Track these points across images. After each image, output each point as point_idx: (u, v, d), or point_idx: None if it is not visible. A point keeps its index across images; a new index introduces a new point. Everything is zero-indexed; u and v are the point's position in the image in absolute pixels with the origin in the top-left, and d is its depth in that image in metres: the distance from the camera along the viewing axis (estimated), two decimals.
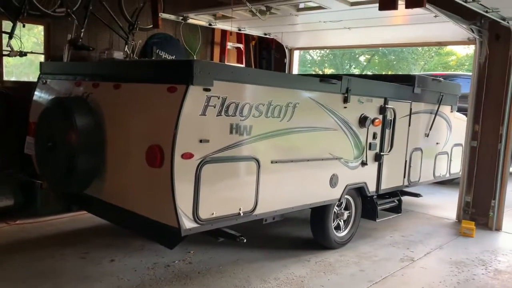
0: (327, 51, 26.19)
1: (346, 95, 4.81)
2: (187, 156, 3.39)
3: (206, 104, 3.47)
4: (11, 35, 5.70)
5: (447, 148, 7.07)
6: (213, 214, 3.66)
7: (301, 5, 6.20)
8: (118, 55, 6.28)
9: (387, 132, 5.55)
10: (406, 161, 6.06)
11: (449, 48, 24.00)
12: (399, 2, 4.37)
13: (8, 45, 5.70)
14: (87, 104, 4.11)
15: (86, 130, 3.94)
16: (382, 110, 5.40)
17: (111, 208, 4.04)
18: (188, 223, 3.48)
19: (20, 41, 5.88)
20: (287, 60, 9.34)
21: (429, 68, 24.78)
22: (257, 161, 3.97)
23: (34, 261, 4.40)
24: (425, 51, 25.63)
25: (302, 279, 4.41)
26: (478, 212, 6.62)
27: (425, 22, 6.04)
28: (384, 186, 5.67)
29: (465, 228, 6.16)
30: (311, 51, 25.76)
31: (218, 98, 3.55)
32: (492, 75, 6.45)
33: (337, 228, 5.28)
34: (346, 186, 5.05)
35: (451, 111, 7.06)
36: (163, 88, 3.45)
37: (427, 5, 4.60)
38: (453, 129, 7.11)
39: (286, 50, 9.32)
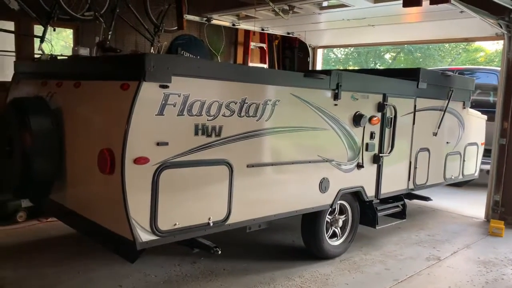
0: (352, 49, 25.93)
1: (337, 91, 4.40)
2: (140, 161, 3.04)
3: (163, 102, 3.13)
4: (42, 39, 5.86)
5: (459, 148, 6.52)
6: (175, 225, 3.31)
7: (324, 3, 6.19)
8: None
9: (387, 131, 5.08)
10: (410, 162, 5.58)
11: (477, 44, 23.41)
12: None
13: (40, 48, 5.88)
14: (45, 104, 3.86)
15: (42, 132, 3.67)
16: (381, 107, 4.94)
17: (75, 216, 3.73)
18: (144, 236, 3.13)
19: (51, 44, 6.07)
20: (310, 59, 9.34)
21: (456, 65, 24.25)
22: (229, 165, 3.60)
23: (65, 258, 4.54)
24: (452, 48, 25.09)
25: (327, 277, 4.42)
26: (507, 211, 6.47)
27: (450, 18, 5.94)
28: (385, 190, 5.21)
29: (494, 227, 6.04)
30: (335, 49, 25.56)
31: (179, 96, 3.20)
32: None
33: (332, 236, 4.87)
34: (339, 190, 4.61)
35: (464, 108, 6.52)
36: (117, 85, 3.14)
37: (452, 1, 4.53)
38: (466, 127, 6.59)
39: (310, 49, 9.32)
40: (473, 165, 6.97)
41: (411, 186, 5.64)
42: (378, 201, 5.26)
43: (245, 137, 3.68)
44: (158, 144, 3.12)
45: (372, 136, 4.89)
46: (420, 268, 4.76)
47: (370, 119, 4.82)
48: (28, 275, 4.13)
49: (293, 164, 4.15)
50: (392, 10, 5.81)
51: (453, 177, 6.50)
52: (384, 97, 4.97)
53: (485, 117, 7.06)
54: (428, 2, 4.37)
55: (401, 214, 5.54)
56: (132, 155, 3.00)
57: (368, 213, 5.11)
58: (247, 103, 3.66)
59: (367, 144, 4.84)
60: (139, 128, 3.02)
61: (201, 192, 3.47)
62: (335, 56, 27.79)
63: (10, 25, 6.10)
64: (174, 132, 3.22)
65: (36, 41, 6.03)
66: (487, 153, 7.54)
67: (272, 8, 5.94)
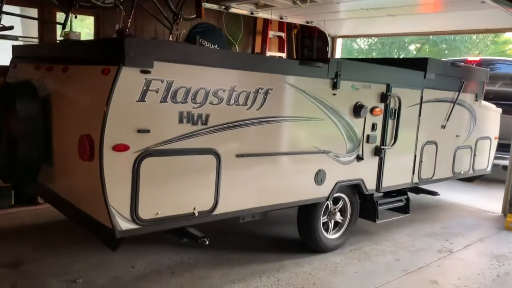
0: (375, 39, 25.58)
1: (335, 81, 4.24)
2: (120, 148, 2.97)
3: (145, 88, 3.03)
4: (64, 25, 6.02)
5: (470, 142, 6.28)
6: (158, 214, 3.25)
7: None
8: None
9: (390, 123, 4.91)
10: (415, 155, 5.39)
11: (506, 35, 22.78)
12: None
13: (62, 35, 6.04)
14: (32, 89, 3.80)
15: (28, 117, 3.63)
16: (384, 97, 4.75)
17: (62, 201, 3.72)
18: (124, 224, 3.09)
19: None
20: (329, 48, 9.29)
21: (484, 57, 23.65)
22: (217, 154, 3.50)
23: (80, 239, 4.66)
24: (480, 40, 24.46)
25: (336, 265, 4.47)
26: None
27: (471, 9, 5.84)
28: (387, 183, 5.05)
29: (510, 221, 5.96)
30: (358, 40, 25.26)
31: (162, 82, 3.11)
32: None
33: (328, 229, 4.77)
34: (337, 183, 4.49)
35: (476, 100, 6.25)
36: (98, 70, 3.07)
37: None
38: (479, 120, 6.33)
39: (329, 38, 9.26)
40: (485, 159, 6.75)
41: (415, 180, 5.47)
42: (382, 194, 5.17)
43: (235, 126, 3.58)
44: (139, 131, 3.05)
45: (373, 127, 4.74)
46: (431, 259, 4.76)
47: (372, 110, 4.67)
48: (45, 254, 4.29)
49: (286, 155, 4.06)
50: (410, 0, 5.73)
51: (462, 172, 6.30)
52: (388, 87, 4.79)
53: (500, 110, 6.86)
54: None
55: (404, 209, 5.41)
56: (111, 142, 2.94)
57: (368, 206, 5.00)
58: (236, 91, 3.55)
59: (368, 136, 4.70)
60: (119, 114, 2.95)
61: (186, 181, 3.39)
62: (358, 47, 27.47)
63: (33, 12, 6.26)
64: (156, 119, 3.14)
65: (59, 28, 6.19)
66: (504, 148, 7.39)
67: None
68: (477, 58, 9.43)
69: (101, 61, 3.10)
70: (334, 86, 4.26)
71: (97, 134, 2.92)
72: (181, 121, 3.26)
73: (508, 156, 6.57)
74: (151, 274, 4.04)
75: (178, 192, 3.36)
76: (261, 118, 3.75)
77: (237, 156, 3.66)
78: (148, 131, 3.09)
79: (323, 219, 4.66)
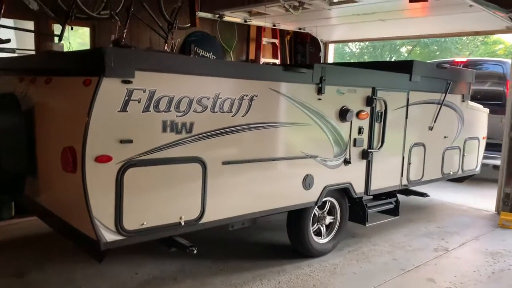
0: (367, 43, 25.82)
1: (320, 86, 4.24)
2: (102, 159, 2.95)
3: (127, 98, 3.01)
4: (60, 37, 6.12)
5: (458, 143, 6.30)
6: (143, 224, 3.22)
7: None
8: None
9: (377, 126, 4.92)
10: (403, 158, 5.40)
11: (496, 36, 23.08)
12: None
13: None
14: (15, 101, 3.76)
15: (10, 129, 3.58)
16: (370, 101, 4.77)
17: (48, 213, 3.68)
18: (109, 236, 3.06)
19: (69, 42, 6.30)
20: (322, 53, 9.42)
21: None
22: (203, 162, 3.47)
23: None
24: (470, 41, 24.77)
25: (335, 266, 4.55)
26: None
27: (460, 12, 5.97)
28: (376, 186, 5.06)
29: (503, 219, 6.08)
30: (350, 43, 25.49)
31: (144, 92, 3.09)
32: None
33: (319, 234, 4.76)
34: (325, 187, 4.49)
35: (463, 101, 6.27)
36: (80, 81, 3.06)
37: None
38: (466, 121, 6.36)
39: (321, 44, 9.39)
40: (474, 160, 6.80)
41: (404, 182, 5.48)
42: (371, 197, 5.19)
43: (220, 133, 3.57)
44: (121, 141, 3.03)
45: (360, 131, 4.76)
46: (428, 258, 4.85)
47: (357, 114, 4.69)
48: (47, 263, 4.34)
49: (274, 161, 4.04)
50: (400, 5, 5.87)
51: (452, 173, 6.32)
52: (374, 91, 4.81)
53: (487, 110, 6.95)
54: None
55: (394, 211, 5.40)
56: (93, 153, 2.92)
57: (358, 210, 5.00)
58: (220, 98, 3.53)
59: (355, 139, 4.71)
60: (101, 125, 2.93)
61: (171, 191, 3.36)
62: (350, 50, 27.71)
63: (29, 25, 6.33)
64: (139, 129, 3.11)
65: (55, 40, 6.27)
66: (493, 147, 7.50)
67: (282, 4, 6.06)
68: (464, 59, 9.59)
69: (82, 72, 3.10)
70: (319, 91, 4.27)
71: (79, 146, 2.91)
72: (164, 130, 3.24)
73: (498, 156, 6.68)
74: (154, 280, 4.10)
75: (164, 202, 3.33)
76: (246, 124, 3.74)
77: (223, 163, 3.64)
78: (130, 141, 3.07)
79: (313, 228, 4.67)
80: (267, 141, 3.97)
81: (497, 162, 7.59)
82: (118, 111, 3.00)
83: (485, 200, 7.26)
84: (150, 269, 4.29)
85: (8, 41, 5.65)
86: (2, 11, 5.49)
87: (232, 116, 3.64)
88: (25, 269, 4.19)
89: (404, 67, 5.29)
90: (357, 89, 4.67)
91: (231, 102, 3.61)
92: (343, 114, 4.50)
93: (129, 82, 3.02)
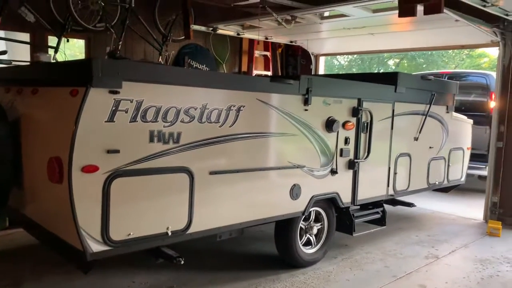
0: (355, 56, 26.21)
1: (307, 97, 4.30)
2: (89, 169, 2.95)
3: (114, 108, 3.03)
4: (56, 49, 6.19)
5: (443, 153, 6.38)
6: (130, 235, 3.20)
7: (325, 14, 6.47)
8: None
9: (363, 136, 4.98)
10: (389, 168, 5.45)
11: (481, 50, 23.60)
12: (418, 8, 4.56)
13: (54, 58, 6.19)
14: (1, 111, 3.74)
15: None
16: (355, 112, 4.84)
17: (34, 224, 3.67)
18: (95, 246, 3.05)
19: (64, 54, 6.37)
20: (313, 66, 9.60)
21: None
22: (190, 172, 3.49)
23: None
24: (456, 54, 25.30)
25: (329, 273, 4.63)
26: (505, 213, 6.66)
27: (447, 26, 6.19)
28: (362, 196, 5.10)
29: (491, 227, 6.23)
30: (338, 56, 25.85)
31: (131, 102, 3.11)
32: None
33: (306, 244, 4.79)
34: (312, 197, 4.52)
35: (447, 112, 6.37)
36: (67, 91, 3.07)
37: (446, 10, 4.77)
38: (451, 132, 6.44)
39: (312, 57, 9.59)
40: (459, 170, 6.86)
41: (391, 192, 5.52)
42: (358, 207, 5.25)
43: (207, 143, 3.58)
44: (108, 151, 3.03)
45: (346, 141, 4.81)
46: (419, 265, 4.97)
47: (344, 124, 4.74)
48: (43, 273, 4.35)
49: (261, 171, 4.05)
50: (390, 19, 6.05)
51: (437, 183, 6.37)
52: (359, 102, 4.89)
53: (471, 121, 7.08)
54: (423, 12, 4.61)
55: (381, 221, 5.45)
56: (79, 163, 2.91)
57: (345, 219, 5.03)
58: (208, 108, 3.56)
59: (341, 149, 4.76)
60: (87, 135, 2.94)
61: (158, 201, 3.35)
62: (338, 63, 28.09)
63: (25, 37, 6.39)
64: (126, 139, 3.12)
65: (50, 51, 6.34)
66: (478, 158, 7.66)
67: (275, 18, 6.21)
68: (450, 70, 9.80)
69: (70, 82, 3.11)
70: (306, 102, 4.32)
71: (65, 156, 2.90)
72: (151, 140, 3.25)
73: (483, 166, 6.85)
74: None
75: (150, 212, 3.32)
76: (234, 135, 3.77)
77: (211, 173, 3.65)
78: (117, 151, 3.07)
79: (301, 241, 4.69)
80: (254, 151, 4.00)
81: (482, 172, 7.80)
82: (105, 121, 3.02)
83: (472, 209, 7.44)
84: (146, 278, 4.34)
85: (4, 52, 5.71)
86: None
87: (220, 127, 3.67)
88: (21, 280, 4.21)
89: (390, 78, 5.39)
90: (343, 100, 4.74)
91: (219, 113, 3.65)
92: (329, 124, 4.56)
93: (117, 92, 3.04)
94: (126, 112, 3.10)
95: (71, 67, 3.47)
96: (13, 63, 5.79)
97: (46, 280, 4.22)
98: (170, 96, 3.35)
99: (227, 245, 5.22)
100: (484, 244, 5.84)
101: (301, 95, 4.30)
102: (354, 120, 4.88)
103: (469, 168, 7.29)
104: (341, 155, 4.78)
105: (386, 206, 5.66)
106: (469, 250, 5.59)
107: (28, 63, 6.32)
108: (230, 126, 3.74)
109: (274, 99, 4.08)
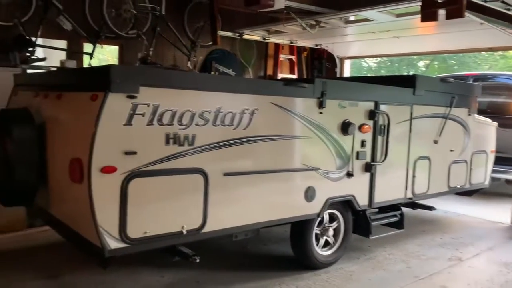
0: (384, 57, 25.93)
1: (321, 100, 4.35)
2: (108, 170, 3.10)
3: (131, 112, 3.18)
4: (91, 55, 6.53)
5: (465, 156, 6.25)
6: (146, 233, 3.34)
7: (350, 18, 6.56)
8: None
9: (380, 139, 4.98)
10: (407, 171, 5.41)
11: None
12: (440, 13, 4.62)
13: (89, 64, 6.53)
14: (28, 115, 3.94)
15: (23, 142, 3.76)
16: (372, 115, 4.85)
17: (59, 222, 3.84)
18: (113, 243, 3.19)
19: (99, 60, 6.70)
20: (338, 69, 9.66)
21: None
22: (205, 174, 3.59)
23: None
24: (489, 55, 24.67)
25: (351, 273, 4.74)
26: None
27: (472, 29, 6.13)
28: (379, 199, 5.07)
29: None
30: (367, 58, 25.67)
31: (148, 106, 3.26)
32: None
33: (323, 245, 4.83)
34: (328, 199, 4.54)
35: (469, 114, 6.25)
36: (88, 96, 3.24)
37: (468, 14, 4.79)
38: (473, 135, 6.32)
39: (337, 60, 9.65)
40: (482, 173, 6.70)
41: (409, 195, 5.48)
42: (377, 210, 5.25)
43: (221, 146, 3.69)
44: (126, 153, 3.17)
45: (363, 144, 4.82)
46: (441, 267, 5.00)
47: (360, 127, 4.75)
48: (77, 266, 4.60)
49: (275, 173, 4.11)
50: (414, 23, 6.08)
51: (459, 186, 6.25)
52: (376, 105, 4.90)
53: (495, 124, 6.94)
54: (445, 16, 4.66)
55: (399, 224, 5.40)
56: (99, 164, 3.06)
57: (361, 222, 5.05)
58: (222, 112, 3.66)
59: (357, 152, 4.77)
60: (106, 138, 3.09)
61: (174, 201, 3.47)
62: (367, 65, 27.87)
63: (62, 43, 6.75)
64: (143, 142, 3.26)
65: (85, 58, 6.68)
66: (505, 161, 7.50)
67: (299, 23, 6.35)
68: (475, 72, 9.57)
69: (90, 87, 3.27)
70: (321, 105, 4.36)
71: (85, 157, 3.07)
72: (167, 142, 3.38)
73: (510, 170, 6.74)
74: (179, 283, 4.37)
75: (166, 211, 3.44)
76: (247, 137, 3.85)
77: (225, 174, 3.73)
78: (135, 153, 3.21)
79: (317, 243, 4.75)
80: (268, 154, 4.07)
81: (510, 176, 7.65)
82: (123, 124, 3.17)
83: (499, 213, 7.31)
84: (174, 273, 4.55)
85: (44, 59, 6.08)
86: (40, 32, 5.92)
87: (233, 129, 3.76)
88: (58, 272, 4.48)
89: (408, 81, 5.38)
90: (359, 103, 4.76)
91: (232, 116, 3.74)
92: (345, 127, 4.58)
93: (134, 97, 3.19)
94: (143, 115, 3.25)
95: (91, 74, 3.67)
96: (51, 69, 6.15)
97: (79, 274, 4.48)
98: (185, 100, 3.48)
99: (250, 244, 5.38)
100: (510, 247, 5.79)
101: (315, 98, 4.34)
102: (370, 123, 4.89)
103: (496, 171, 7.16)
104: (357, 158, 4.79)
105: (409, 210, 5.66)
106: (494, 253, 5.57)
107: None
108: (243, 129, 3.83)
109: (288, 103, 4.14)
